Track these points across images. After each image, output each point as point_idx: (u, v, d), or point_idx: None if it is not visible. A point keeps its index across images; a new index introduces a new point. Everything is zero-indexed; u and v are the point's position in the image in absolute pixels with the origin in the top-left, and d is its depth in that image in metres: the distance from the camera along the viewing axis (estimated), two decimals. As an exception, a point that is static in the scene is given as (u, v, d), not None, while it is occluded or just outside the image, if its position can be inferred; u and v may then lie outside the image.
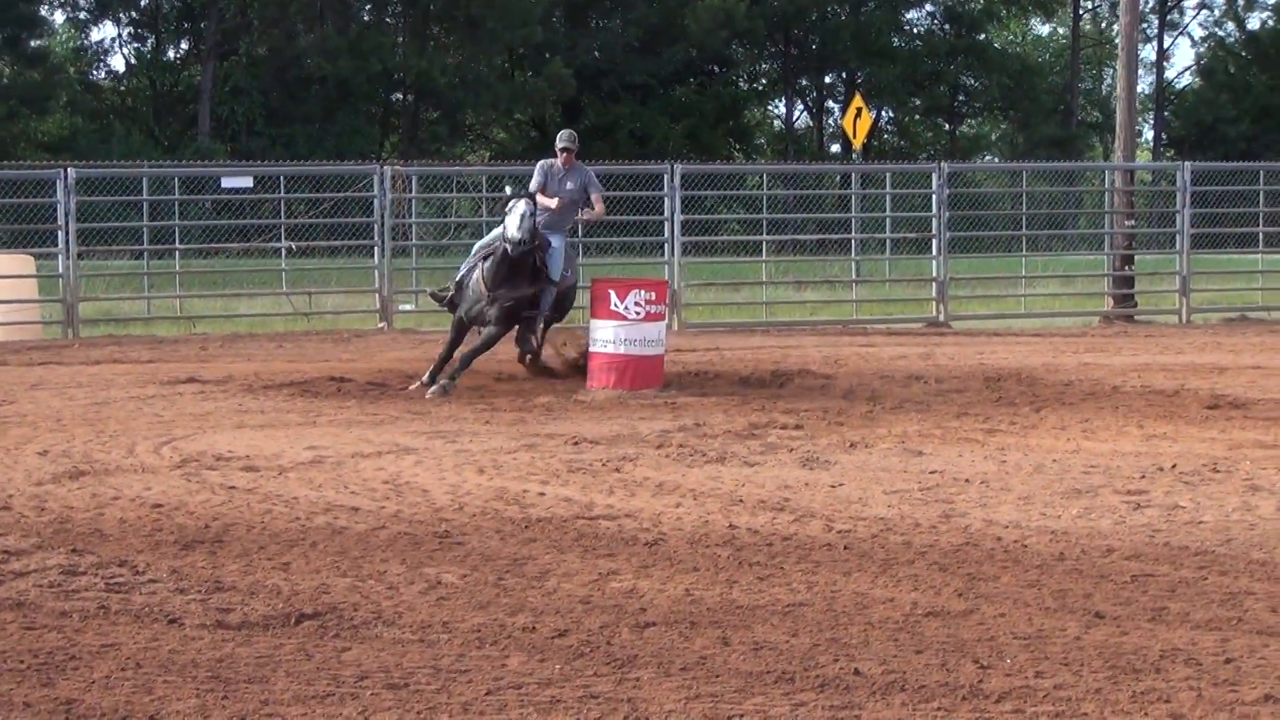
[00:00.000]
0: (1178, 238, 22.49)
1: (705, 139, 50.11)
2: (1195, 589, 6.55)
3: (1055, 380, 14.26)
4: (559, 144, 13.68)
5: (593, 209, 13.91)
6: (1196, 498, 8.59)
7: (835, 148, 56.58)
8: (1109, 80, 59.28)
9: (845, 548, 7.37)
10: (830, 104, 57.45)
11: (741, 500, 8.62)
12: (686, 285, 21.15)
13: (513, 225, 12.88)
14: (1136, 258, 23.72)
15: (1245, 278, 25.49)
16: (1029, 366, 15.35)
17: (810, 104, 57.31)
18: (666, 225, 20.87)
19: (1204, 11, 59.39)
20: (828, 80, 55.59)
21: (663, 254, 21.19)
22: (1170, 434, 10.98)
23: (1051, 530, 7.76)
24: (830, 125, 57.20)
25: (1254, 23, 58.11)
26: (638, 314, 13.52)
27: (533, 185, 13.62)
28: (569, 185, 13.64)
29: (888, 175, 24.77)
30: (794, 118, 57.18)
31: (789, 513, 8.25)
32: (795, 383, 14.02)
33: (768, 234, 25.81)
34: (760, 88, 57.15)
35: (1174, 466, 9.51)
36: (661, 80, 50.74)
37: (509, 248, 12.94)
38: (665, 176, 20.95)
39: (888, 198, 23.27)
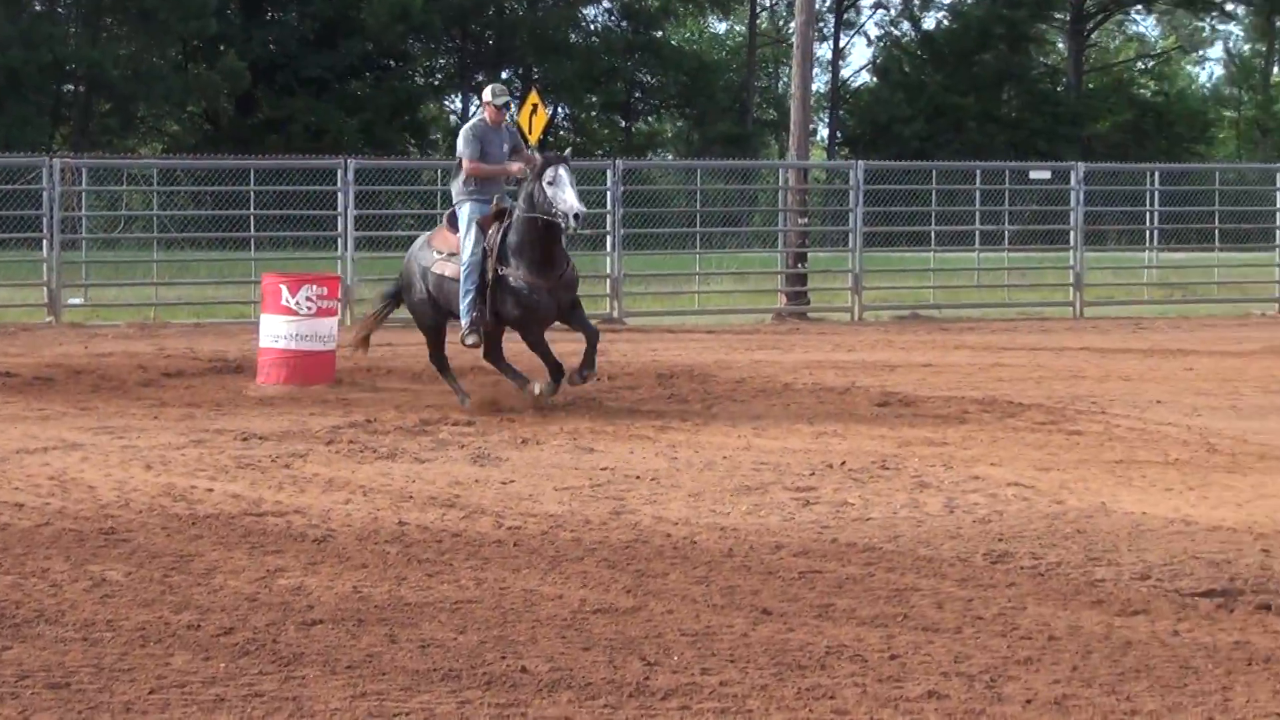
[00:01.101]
0: (850, 236, 23.46)
1: (381, 134, 50.11)
2: (862, 585, 6.83)
3: (728, 377, 14.72)
4: (495, 99, 12.31)
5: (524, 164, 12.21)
6: (865, 494, 8.99)
7: (511, 144, 56.88)
8: (785, 78, 61.23)
9: (515, 544, 7.50)
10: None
11: (411, 497, 8.71)
12: (361, 280, 21.16)
13: (573, 195, 11.58)
14: (810, 255, 24.63)
15: (917, 276, 26.75)
16: (702, 363, 15.82)
17: (486, 100, 57.49)
18: (340, 220, 20.88)
19: (880, 11, 62.07)
20: (504, 76, 55.90)
21: (335, 249, 21.27)
22: (840, 431, 11.47)
23: (721, 527, 8.03)
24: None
25: (929, 22, 61.11)
26: (309, 309, 13.50)
27: (469, 153, 12.12)
28: (505, 147, 12.32)
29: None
30: (470, 113, 57.25)
31: (459, 509, 8.37)
32: (467, 378, 14.14)
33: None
34: (437, 82, 57.37)
35: (843, 463, 9.94)
36: (337, 74, 50.61)
37: (574, 223, 11.60)
38: (339, 171, 21.05)
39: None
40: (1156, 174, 27.67)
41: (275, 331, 13.49)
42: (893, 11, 61.58)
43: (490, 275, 11.88)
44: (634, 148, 55.09)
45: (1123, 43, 69.67)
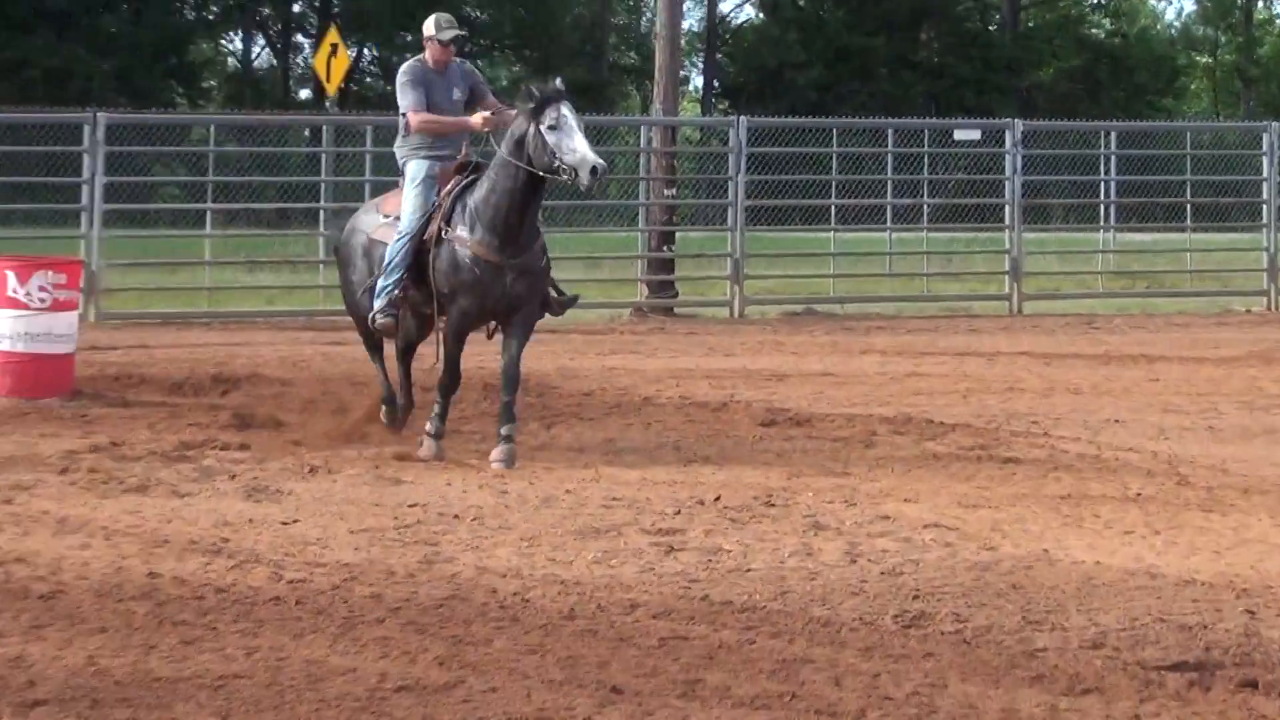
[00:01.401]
0: (730, 211, 23.76)
1: (140, 80, 50.09)
2: (740, 655, 6.93)
3: (573, 389, 14.96)
4: (440, 34, 12.24)
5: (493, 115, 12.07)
6: (744, 539, 9.13)
7: (305, 93, 57.09)
8: (648, 14, 61.88)
9: (297, 603, 7.54)
10: (300, 39, 57.98)
11: (167, 541, 8.74)
12: (109, 265, 21.18)
13: (585, 143, 11.25)
14: (678, 235, 24.89)
15: (813, 261, 27.17)
16: (540, 371, 15.92)
17: (274, 39, 57.56)
18: (86, 189, 20.96)
19: (768, -74, 62.90)
20: (296, 9, 55.95)
21: (79, 225, 21.30)
22: (714, 457, 11.66)
23: (561, 580, 8.11)
24: (299, 65, 57.60)
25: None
26: (43, 302, 13.50)
27: (413, 101, 12.02)
28: (456, 94, 12.23)
29: (369, 129, 25.16)
30: (253, 56, 57.28)
31: (227, 557, 8.40)
32: (244, 389, 14.21)
33: (214, 201, 25.74)
34: (211, 18, 57.24)
35: (717, 499, 10.10)
36: (86, 6, 50.48)
37: (590, 179, 11.18)
38: (86, 128, 21.11)
39: (368, 157, 23.69)
40: (1113, 135, 28.41)
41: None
42: (785, -73, 62.51)
43: (430, 238, 11.61)
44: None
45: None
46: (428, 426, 11.71)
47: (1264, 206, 27.07)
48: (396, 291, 11.68)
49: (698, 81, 60.67)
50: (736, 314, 23.22)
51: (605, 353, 18.38)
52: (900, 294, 25.33)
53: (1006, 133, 25.44)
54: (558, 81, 11.63)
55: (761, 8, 62.25)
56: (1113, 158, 27.47)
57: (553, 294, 12.20)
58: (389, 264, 11.66)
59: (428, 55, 12.26)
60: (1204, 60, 68.62)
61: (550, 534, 9.12)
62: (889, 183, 26.48)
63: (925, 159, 27.06)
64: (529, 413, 13.45)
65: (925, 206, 27.03)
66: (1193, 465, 11.62)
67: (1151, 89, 61.42)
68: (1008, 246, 25.08)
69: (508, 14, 57.03)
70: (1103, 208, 28.70)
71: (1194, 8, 71.69)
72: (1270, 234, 26.55)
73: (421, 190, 11.72)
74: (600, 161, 11.16)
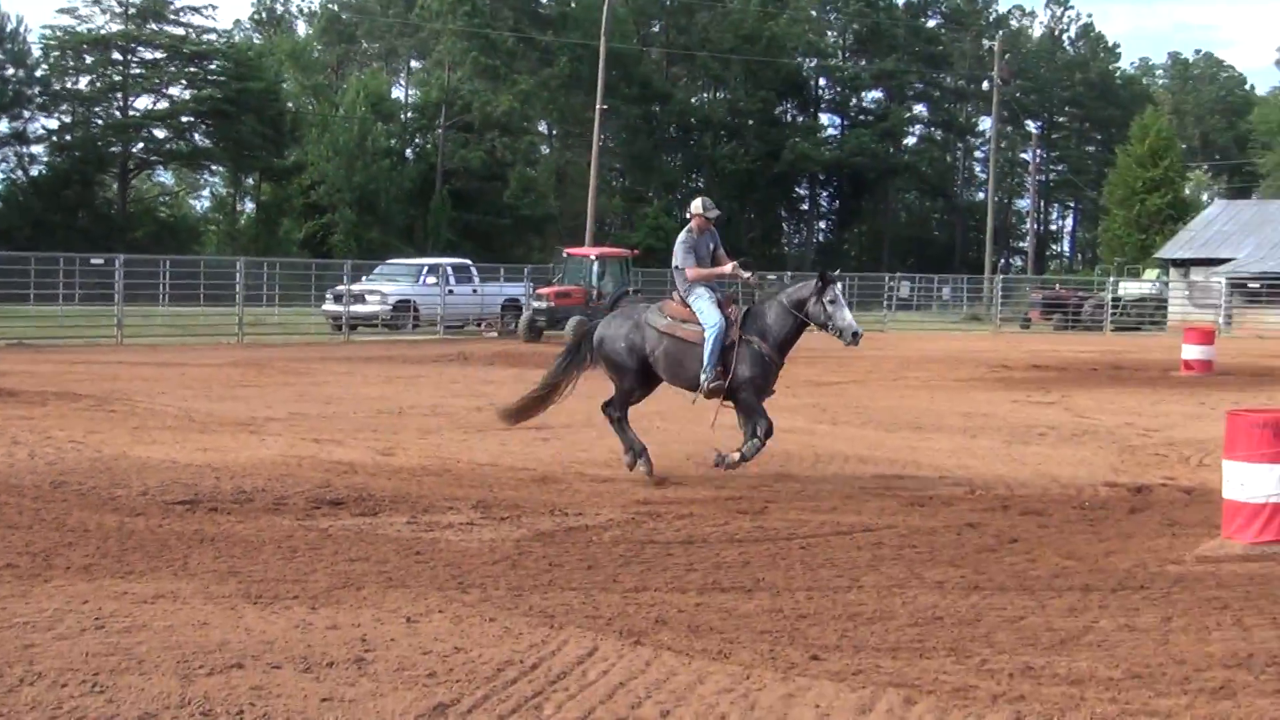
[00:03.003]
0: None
1: None
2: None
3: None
4: (707, 212, 16.53)
5: (733, 267, 16.47)
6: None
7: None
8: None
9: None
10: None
11: None
12: None
13: (850, 315, 15.95)
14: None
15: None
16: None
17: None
18: None
19: None
20: None
21: None
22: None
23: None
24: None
25: None
26: None
27: (690, 263, 16.42)
28: (711, 247, 16.66)
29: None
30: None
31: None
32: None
33: None
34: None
35: None
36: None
37: (851, 340, 15.78)
38: None
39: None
40: None
41: None
42: None
43: (731, 340, 16.01)
44: None
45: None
46: (736, 454, 15.76)
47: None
48: (719, 367, 16.01)
49: None
50: None
51: None
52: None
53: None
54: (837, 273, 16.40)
55: None
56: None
57: None
58: (710, 353, 15.99)
59: (695, 225, 16.62)
60: None
61: None
62: None
63: None
64: None
65: None
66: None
67: None
68: None
69: None
70: None
71: None
72: None
73: (710, 303, 16.24)
74: (859, 329, 16.00)
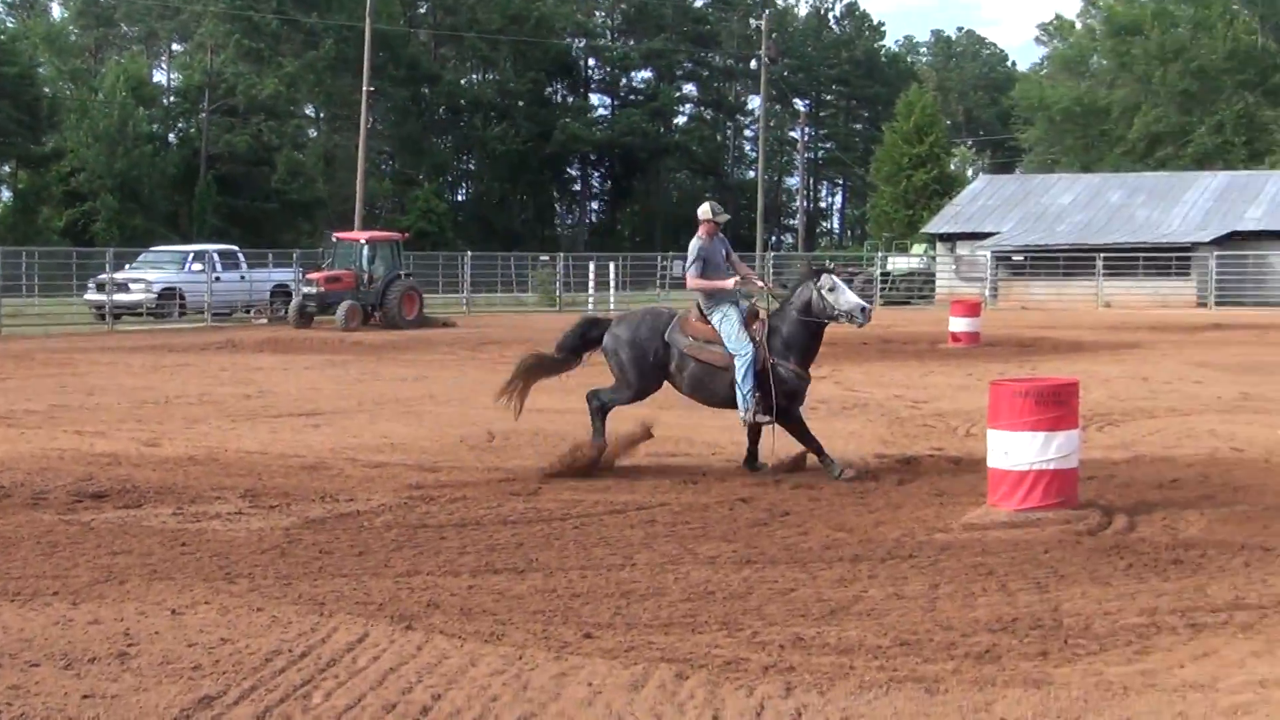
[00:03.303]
0: None
1: None
2: None
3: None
4: (716, 217, 16.18)
5: (739, 280, 16.22)
6: None
7: None
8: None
9: None
10: None
11: None
12: None
13: (853, 294, 15.73)
14: None
15: None
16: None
17: None
18: None
19: None
20: None
21: None
22: None
23: None
24: None
25: None
26: None
27: (694, 271, 16.03)
28: (723, 253, 16.30)
29: None
30: None
31: None
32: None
33: None
34: None
35: None
36: None
37: (862, 317, 15.57)
38: None
39: None
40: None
41: None
42: None
43: (763, 366, 15.66)
44: None
45: None
46: (836, 470, 15.18)
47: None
48: (758, 394, 15.59)
49: None
50: None
51: None
52: None
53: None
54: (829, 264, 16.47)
55: None
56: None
57: None
58: (744, 381, 15.61)
59: (704, 231, 16.22)
60: None
61: None
62: None
63: None
64: None
65: None
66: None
67: None
68: None
69: None
70: None
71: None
72: None
73: (738, 327, 15.76)
74: (866, 304, 15.88)
